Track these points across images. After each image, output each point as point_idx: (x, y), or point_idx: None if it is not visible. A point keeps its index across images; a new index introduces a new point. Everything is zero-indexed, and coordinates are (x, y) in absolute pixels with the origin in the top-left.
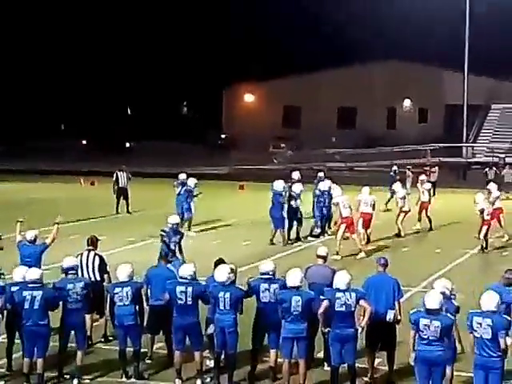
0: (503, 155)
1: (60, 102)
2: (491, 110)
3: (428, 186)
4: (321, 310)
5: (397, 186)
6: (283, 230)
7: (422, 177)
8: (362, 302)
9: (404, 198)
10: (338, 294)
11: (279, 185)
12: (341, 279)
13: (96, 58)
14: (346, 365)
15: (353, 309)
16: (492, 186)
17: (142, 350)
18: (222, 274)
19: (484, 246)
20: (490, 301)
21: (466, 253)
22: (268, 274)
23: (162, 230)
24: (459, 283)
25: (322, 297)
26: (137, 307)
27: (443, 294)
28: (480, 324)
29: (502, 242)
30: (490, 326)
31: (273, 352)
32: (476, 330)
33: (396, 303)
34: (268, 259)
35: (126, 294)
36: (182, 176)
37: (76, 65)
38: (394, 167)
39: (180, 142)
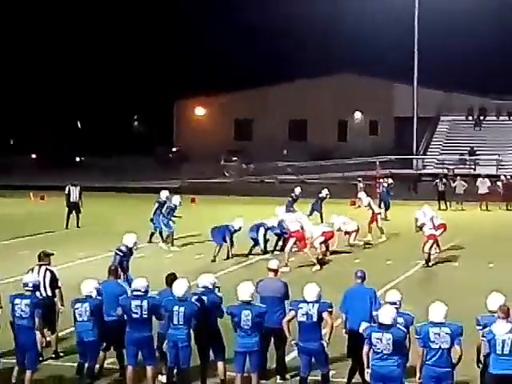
0: (453, 167)
1: (8, 116)
2: (440, 122)
3: (367, 200)
4: (285, 320)
5: (362, 194)
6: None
7: (360, 194)
8: (324, 314)
9: (369, 204)
10: (302, 305)
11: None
12: (307, 291)
13: (45, 72)
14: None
15: (315, 319)
16: (425, 208)
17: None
18: (180, 288)
19: (427, 259)
20: (440, 311)
21: (417, 264)
22: (207, 287)
23: (119, 250)
24: (409, 295)
25: (289, 307)
26: (96, 323)
27: (394, 304)
28: (438, 334)
29: (452, 253)
30: (449, 335)
31: (220, 364)
32: (434, 341)
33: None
34: (219, 272)
35: (85, 309)
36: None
37: (25, 79)
38: (390, 180)
39: (131, 155)
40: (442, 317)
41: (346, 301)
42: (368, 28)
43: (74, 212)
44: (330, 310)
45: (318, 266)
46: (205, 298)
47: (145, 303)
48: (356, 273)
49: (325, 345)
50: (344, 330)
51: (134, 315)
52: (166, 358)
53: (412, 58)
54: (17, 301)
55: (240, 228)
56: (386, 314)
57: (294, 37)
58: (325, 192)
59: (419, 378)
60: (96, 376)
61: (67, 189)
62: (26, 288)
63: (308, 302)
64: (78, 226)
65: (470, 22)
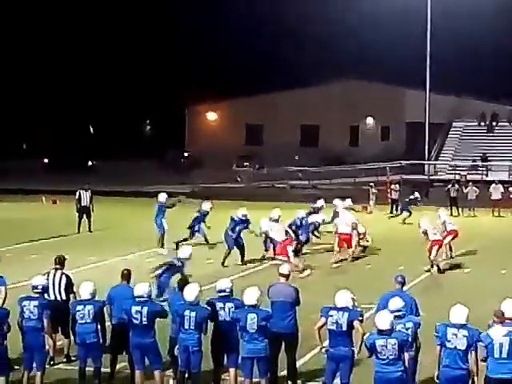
0: (465, 173)
1: (21, 121)
2: (453, 128)
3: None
4: (316, 327)
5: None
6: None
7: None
8: (354, 323)
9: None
10: (332, 312)
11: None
12: (338, 298)
13: (57, 77)
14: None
15: (344, 328)
16: (441, 211)
17: (104, 370)
18: (191, 292)
19: (430, 265)
20: (461, 313)
21: (429, 270)
22: (225, 291)
23: (170, 264)
24: (421, 300)
25: (320, 313)
26: (98, 325)
27: (399, 312)
28: (455, 335)
29: (462, 260)
30: (466, 337)
31: (232, 370)
32: (450, 341)
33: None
34: (229, 278)
35: (88, 312)
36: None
37: (37, 84)
38: (416, 194)
39: (142, 160)
40: (463, 319)
41: (383, 306)
42: (380, 34)
43: (85, 216)
44: (360, 318)
45: (308, 271)
46: (231, 304)
47: (144, 310)
48: (396, 278)
49: (355, 352)
50: None
51: (135, 321)
52: (177, 363)
53: (424, 63)
54: (25, 302)
55: (245, 217)
56: (383, 320)
57: (304, 44)
58: (320, 203)
59: (437, 378)
60: (108, 379)
61: (78, 193)
62: (35, 290)
63: (338, 310)
64: (90, 231)
65: (482, 27)
